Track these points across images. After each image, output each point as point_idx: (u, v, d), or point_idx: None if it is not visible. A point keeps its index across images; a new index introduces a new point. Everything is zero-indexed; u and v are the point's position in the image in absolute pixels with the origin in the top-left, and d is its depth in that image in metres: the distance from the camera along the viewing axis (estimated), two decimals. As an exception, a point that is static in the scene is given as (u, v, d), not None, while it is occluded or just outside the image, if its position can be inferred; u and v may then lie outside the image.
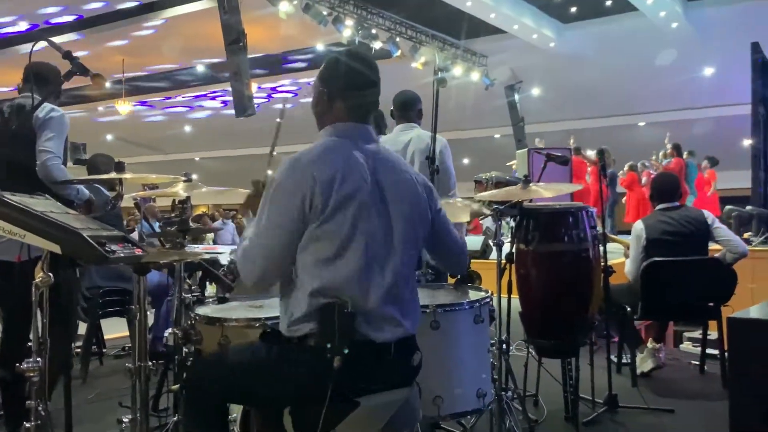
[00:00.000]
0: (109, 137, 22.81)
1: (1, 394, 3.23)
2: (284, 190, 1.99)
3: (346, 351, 1.90)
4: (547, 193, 3.45)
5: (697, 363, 4.85)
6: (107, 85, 15.15)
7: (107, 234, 2.21)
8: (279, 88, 18.47)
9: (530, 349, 3.83)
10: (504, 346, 3.27)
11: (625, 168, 12.35)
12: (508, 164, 11.62)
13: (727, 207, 9.14)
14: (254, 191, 2.22)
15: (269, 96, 19.14)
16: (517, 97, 16.11)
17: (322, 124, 2.18)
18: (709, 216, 4.53)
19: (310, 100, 2.21)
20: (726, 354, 4.32)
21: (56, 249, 2.00)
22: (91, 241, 2.01)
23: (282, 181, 2.00)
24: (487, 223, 9.19)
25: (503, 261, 3.39)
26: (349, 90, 2.13)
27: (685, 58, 13.25)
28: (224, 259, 3.92)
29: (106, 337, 5.57)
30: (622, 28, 12.86)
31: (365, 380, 1.99)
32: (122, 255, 2.18)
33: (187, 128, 23.04)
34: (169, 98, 19.49)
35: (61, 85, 3.12)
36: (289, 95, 18.91)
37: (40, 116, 3.25)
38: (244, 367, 2.09)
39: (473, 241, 8.10)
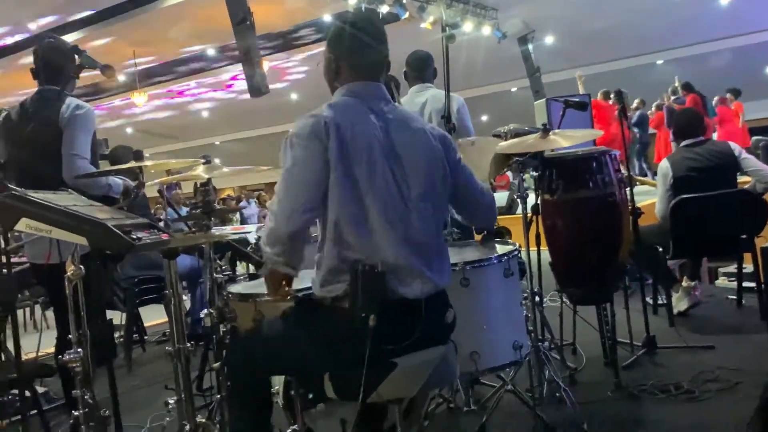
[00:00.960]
0: (129, 130, 22.92)
1: (61, 382, 3.32)
2: (301, 143, 2.00)
3: (378, 311, 1.90)
4: (566, 141, 3.39)
5: (734, 297, 4.81)
6: (120, 78, 15.19)
7: (132, 222, 2.23)
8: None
9: (564, 299, 3.82)
10: (537, 297, 3.26)
11: (653, 108, 12.12)
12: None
13: (755, 137, 8.99)
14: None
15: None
16: (530, 47, 15.82)
17: (333, 89, 2.19)
18: (736, 147, 4.45)
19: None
20: (763, 285, 4.29)
21: (83, 241, 2.02)
22: (117, 230, 2.03)
23: (297, 135, 2.01)
24: (512, 177, 9.11)
25: (529, 213, 3.36)
26: (353, 50, 2.13)
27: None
28: (252, 238, 3.95)
29: (146, 324, 5.69)
30: (633, -36, 12.52)
31: (400, 339, 2.01)
32: (149, 241, 2.19)
33: (205, 114, 23.06)
34: (183, 87, 19.48)
35: (76, 68, 3.10)
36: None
37: (65, 116, 3.14)
38: (279, 338, 2.13)
39: (499, 198, 8.09)
